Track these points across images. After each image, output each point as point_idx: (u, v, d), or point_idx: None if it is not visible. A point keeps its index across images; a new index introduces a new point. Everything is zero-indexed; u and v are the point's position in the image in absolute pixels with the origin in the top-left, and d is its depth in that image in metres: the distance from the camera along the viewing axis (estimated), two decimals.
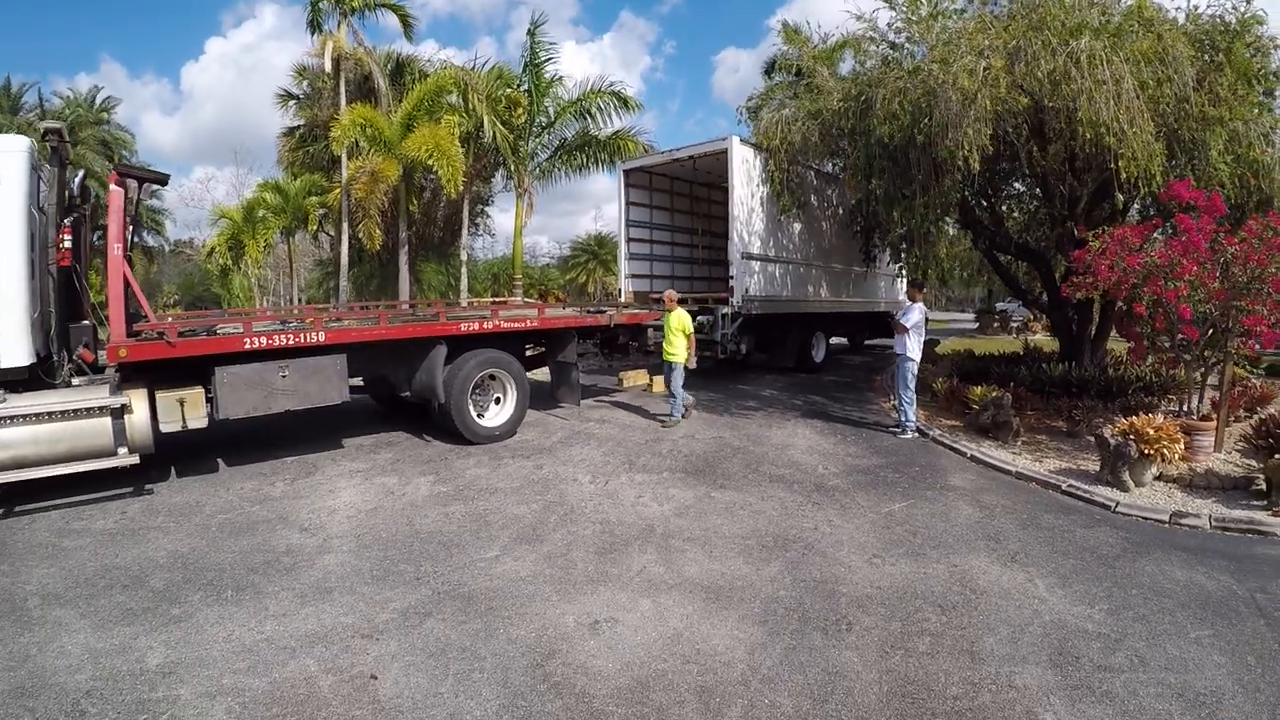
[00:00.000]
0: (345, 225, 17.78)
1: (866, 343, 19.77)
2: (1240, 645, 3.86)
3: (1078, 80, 7.58)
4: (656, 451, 8.06)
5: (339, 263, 19.78)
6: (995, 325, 27.79)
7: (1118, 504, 6.16)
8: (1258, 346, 7.92)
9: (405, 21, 19.57)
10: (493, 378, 8.70)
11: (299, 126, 22.98)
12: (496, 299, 20.93)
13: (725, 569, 4.81)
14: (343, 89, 18.58)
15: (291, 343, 7.01)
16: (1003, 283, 13.99)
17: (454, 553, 5.11)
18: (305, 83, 22.03)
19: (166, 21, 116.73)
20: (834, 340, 17.41)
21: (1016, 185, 12.12)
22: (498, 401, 8.77)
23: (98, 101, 29.75)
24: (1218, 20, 9.02)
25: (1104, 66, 7.55)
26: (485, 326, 8.55)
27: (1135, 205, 9.78)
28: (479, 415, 8.49)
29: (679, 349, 9.53)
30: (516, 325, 9.01)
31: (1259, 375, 11.89)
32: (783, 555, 5.05)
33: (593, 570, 4.80)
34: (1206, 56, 8.73)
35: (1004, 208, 12.59)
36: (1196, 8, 9.16)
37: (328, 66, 18.17)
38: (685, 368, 9.61)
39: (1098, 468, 6.91)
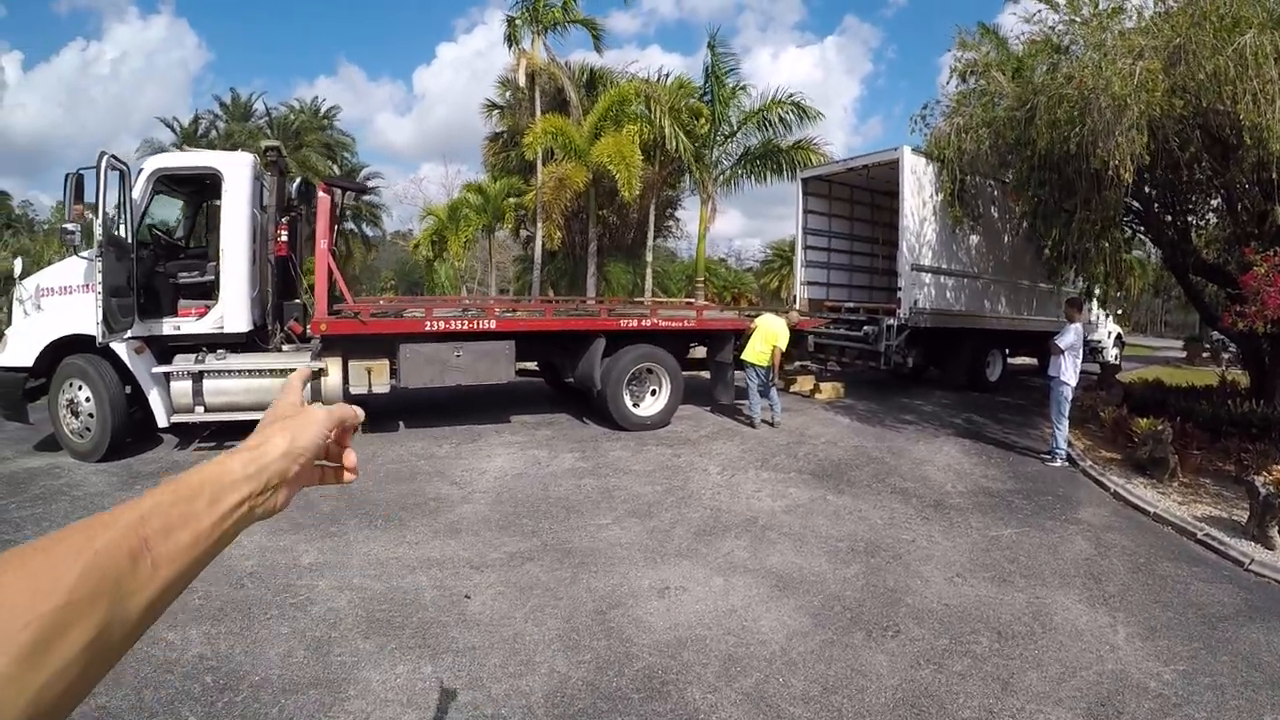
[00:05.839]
0: (539, 225, 19.54)
1: None
2: None
3: (1241, 80, 6.92)
4: (793, 454, 8.38)
5: (534, 259, 21.65)
6: (1206, 355, 24.43)
7: (1252, 560, 5.55)
8: None
9: (595, 35, 20.78)
10: (650, 371, 9.39)
11: (502, 133, 25.19)
12: (658, 300, 21.67)
13: (805, 564, 5.15)
14: (538, 100, 20.18)
15: (465, 328, 8.20)
16: (1194, 306, 12.58)
17: (572, 516, 5.90)
18: (508, 93, 24.10)
19: (402, 27, 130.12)
20: (1020, 360, 16.47)
21: (1210, 200, 10.91)
22: (653, 393, 9.47)
23: (321, 110, 34.27)
24: None
25: (1273, 64, 6.82)
26: (643, 324, 9.30)
27: None
28: (634, 405, 9.25)
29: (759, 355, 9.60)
30: (673, 324, 9.69)
31: None
32: (866, 560, 5.27)
33: (685, 546, 5.36)
34: None
35: (1192, 221, 11.34)
36: None
37: (522, 82, 19.93)
38: (759, 372, 9.66)
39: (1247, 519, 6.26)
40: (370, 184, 33.24)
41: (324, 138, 32.39)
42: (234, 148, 25.50)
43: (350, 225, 34.22)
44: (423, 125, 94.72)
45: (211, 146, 27.85)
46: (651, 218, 20.86)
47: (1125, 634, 4.35)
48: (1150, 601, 4.84)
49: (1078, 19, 9.07)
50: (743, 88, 18.89)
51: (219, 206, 7.63)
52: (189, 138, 29.96)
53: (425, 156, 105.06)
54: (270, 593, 4.31)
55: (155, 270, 7.57)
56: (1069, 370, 8.37)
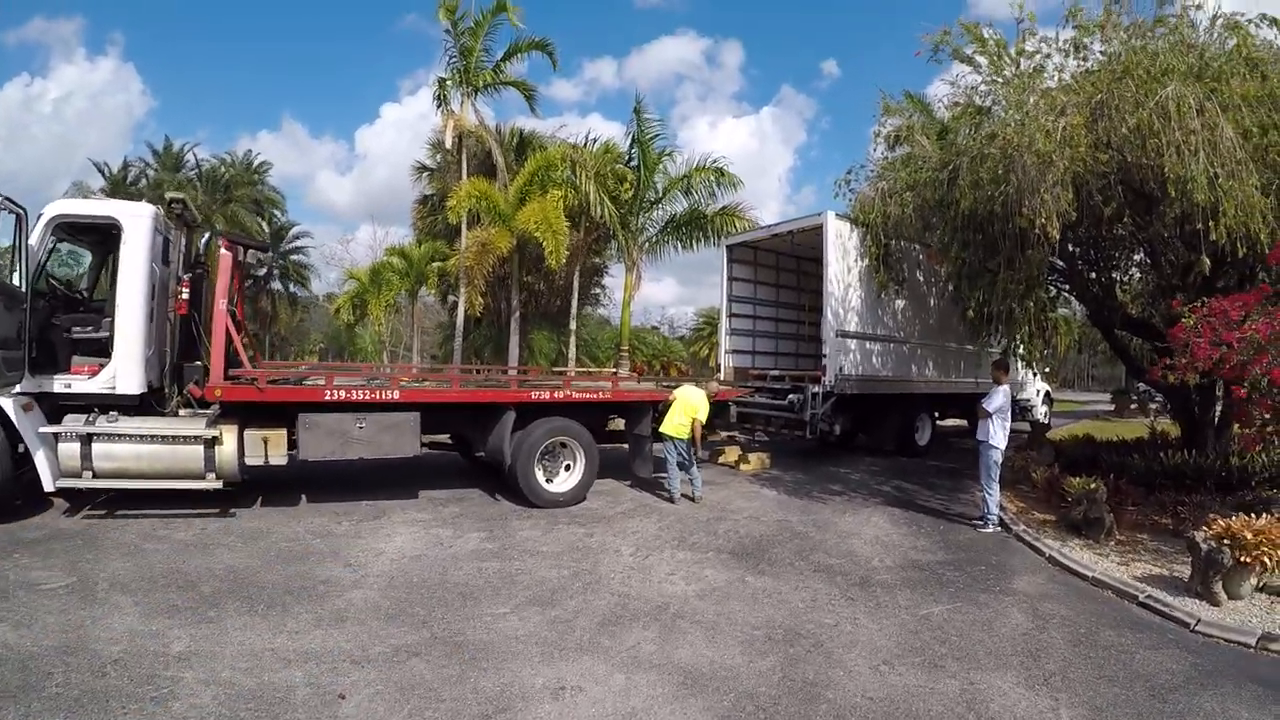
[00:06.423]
0: (463, 291, 19.03)
1: None
2: None
3: (1165, 133, 7.00)
4: (713, 530, 7.91)
5: (456, 326, 20.82)
6: (1133, 407, 25.19)
7: (1198, 621, 5.35)
8: None
9: (528, 97, 20.71)
10: (564, 445, 8.83)
11: (431, 196, 24.77)
12: (583, 370, 21.12)
13: (718, 656, 4.65)
14: (465, 163, 19.84)
15: (368, 398, 7.63)
16: (1121, 360, 12.85)
17: (468, 604, 5.31)
18: (439, 155, 23.92)
19: (346, 84, 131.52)
20: (950, 422, 16.50)
21: (1134, 254, 11.18)
22: (567, 469, 8.88)
23: (253, 164, 33.62)
24: None
25: (1195, 116, 6.93)
26: (556, 395, 8.81)
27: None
28: (547, 480, 8.66)
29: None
30: (587, 396, 9.22)
31: None
32: (785, 650, 4.79)
33: (586, 639, 4.81)
34: None
35: (1116, 277, 11.54)
36: None
37: (449, 144, 19.60)
38: (679, 445, 9.22)
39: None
40: (299, 244, 32.40)
41: (254, 193, 31.64)
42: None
43: (276, 285, 33.19)
44: (363, 185, 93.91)
45: (140, 195, 26.73)
46: (576, 284, 20.44)
47: (1069, 717, 4.00)
48: (1094, 677, 4.53)
49: (999, 79, 9.25)
50: (668, 153, 18.91)
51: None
52: (118, 184, 28.88)
53: (365, 217, 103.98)
54: (132, 683, 3.88)
55: (51, 323, 7.06)
56: (998, 433, 8.23)
